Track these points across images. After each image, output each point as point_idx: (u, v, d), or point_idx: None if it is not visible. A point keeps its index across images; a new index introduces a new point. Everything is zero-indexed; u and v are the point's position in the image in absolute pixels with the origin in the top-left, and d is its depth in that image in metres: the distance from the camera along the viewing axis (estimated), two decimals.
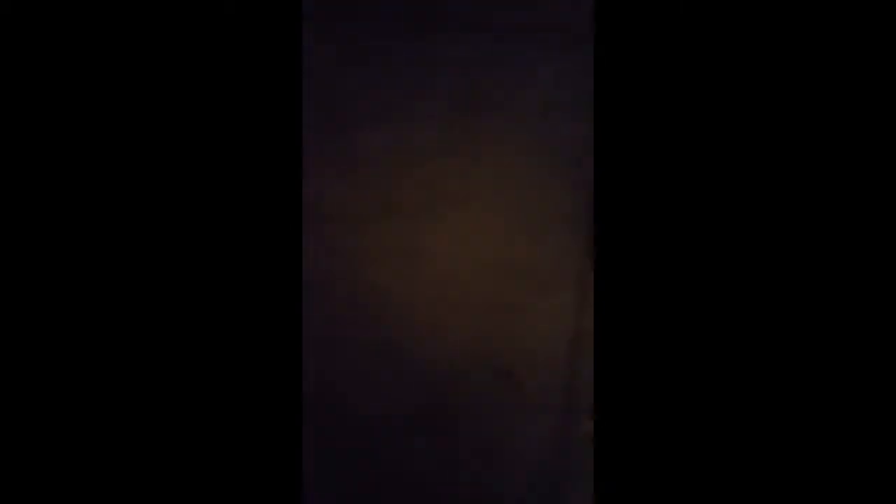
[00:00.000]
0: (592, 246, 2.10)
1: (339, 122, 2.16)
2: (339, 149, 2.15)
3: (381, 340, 2.15)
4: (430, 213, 2.21)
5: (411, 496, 2.13)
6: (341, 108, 2.15)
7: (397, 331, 2.15)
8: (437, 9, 2.18)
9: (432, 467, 2.14)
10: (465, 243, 2.16)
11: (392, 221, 2.16)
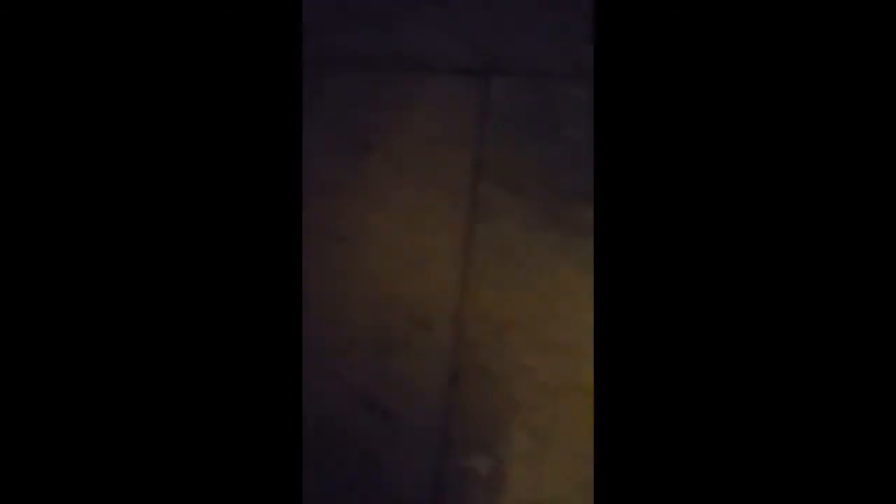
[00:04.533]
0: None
1: None
2: None
3: None
4: (309, 247, 2.20)
5: None
6: None
7: None
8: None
9: (317, 501, 2.10)
10: (343, 278, 2.17)
11: None
